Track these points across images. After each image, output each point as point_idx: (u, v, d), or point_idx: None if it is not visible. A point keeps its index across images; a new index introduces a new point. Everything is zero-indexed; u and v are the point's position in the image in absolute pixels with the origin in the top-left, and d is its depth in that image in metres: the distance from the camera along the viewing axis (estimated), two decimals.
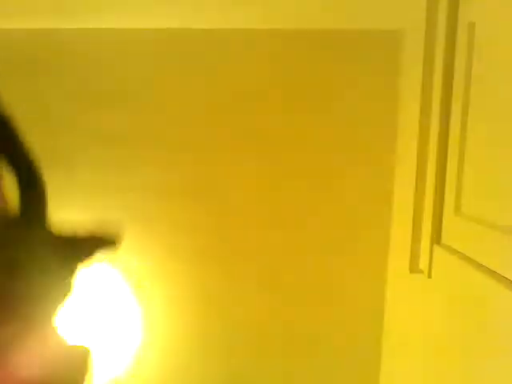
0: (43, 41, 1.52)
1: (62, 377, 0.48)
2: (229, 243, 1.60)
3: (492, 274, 0.83)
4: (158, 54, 1.53)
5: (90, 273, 1.69)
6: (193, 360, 1.67)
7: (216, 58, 1.52)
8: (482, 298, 0.87)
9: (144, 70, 1.54)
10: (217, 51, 1.51)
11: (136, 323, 1.67)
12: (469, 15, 0.99)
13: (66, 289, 0.50)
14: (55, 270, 0.48)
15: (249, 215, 1.59)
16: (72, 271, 0.50)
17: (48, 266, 0.47)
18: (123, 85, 1.55)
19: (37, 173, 0.50)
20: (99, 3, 1.29)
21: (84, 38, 1.52)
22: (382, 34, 1.46)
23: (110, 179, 1.59)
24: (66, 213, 1.63)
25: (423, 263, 1.18)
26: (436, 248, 1.12)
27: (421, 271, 1.21)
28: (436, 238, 1.13)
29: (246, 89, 1.53)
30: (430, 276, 1.14)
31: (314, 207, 1.57)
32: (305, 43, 1.49)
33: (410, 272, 1.24)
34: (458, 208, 1.03)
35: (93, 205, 1.60)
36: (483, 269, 0.87)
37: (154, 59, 1.53)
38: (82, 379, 0.52)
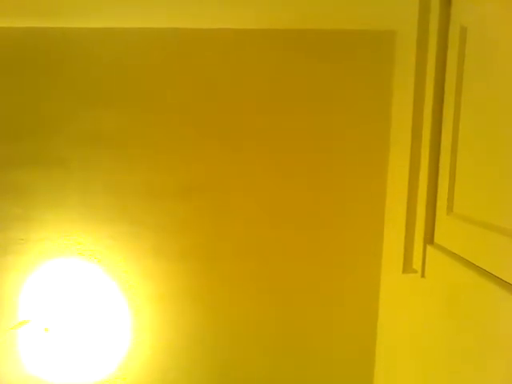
0: (39, 40, 1.51)
1: None
2: (217, 242, 1.60)
3: (484, 273, 0.84)
4: (156, 54, 1.52)
5: (78, 272, 1.68)
6: (181, 358, 1.67)
7: (214, 57, 1.52)
8: (474, 296, 0.88)
9: (140, 70, 1.53)
10: (215, 51, 1.51)
11: (124, 322, 1.66)
12: (460, 19, 1.00)
13: None
14: None
15: (238, 214, 1.59)
16: None
17: None
18: (120, 85, 1.54)
19: None
20: (98, 3, 1.29)
21: (81, 38, 1.51)
22: (375, 34, 1.47)
23: (102, 179, 1.58)
24: (59, 211, 1.63)
25: (416, 263, 1.19)
26: (429, 248, 1.12)
27: (414, 271, 1.22)
28: (429, 238, 1.13)
29: (242, 88, 1.53)
30: (423, 275, 1.15)
31: (307, 207, 1.57)
32: (300, 43, 1.50)
33: (404, 272, 1.25)
34: (450, 208, 1.04)
35: (84, 204, 1.59)
36: (475, 268, 0.87)
37: (151, 59, 1.53)
38: None
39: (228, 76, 1.52)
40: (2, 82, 1.55)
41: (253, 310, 1.64)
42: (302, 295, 1.62)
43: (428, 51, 1.13)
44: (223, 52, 1.51)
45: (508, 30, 0.80)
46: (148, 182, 1.57)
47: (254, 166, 1.56)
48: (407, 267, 1.24)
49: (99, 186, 1.59)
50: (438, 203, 1.11)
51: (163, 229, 1.60)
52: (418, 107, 1.18)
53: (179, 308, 1.64)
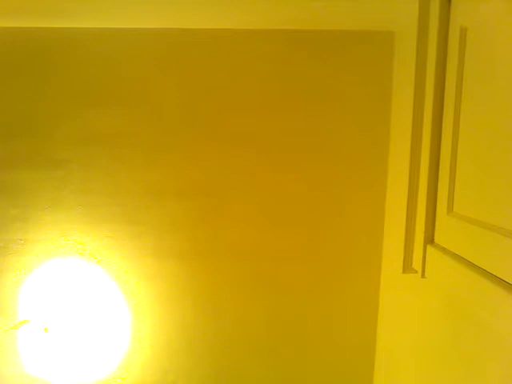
0: (38, 40, 1.51)
1: None
2: (218, 242, 1.60)
3: (484, 273, 0.84)
4: (156, 54, 1.52)
5: (78, 272, 1.68)
6: (181, 358, 1.67)
7: (214, 57, 1.52)
8: (474, 296, 0.88)
9: (140, 70, 1.53)
10: (216, 51, 1.51)
11: (124, 322, 1.66)
12: (460, 20, 1.00)
13: None
14: None
15: (238, 214, 1.59)
16: None
17: None
18: (119, 85, 1.54)
19: None
20: (98, 3, 1.29)
21: (81, 38, 1.51)
22: (375, 34, 1.47)
23: (102, 179, 1.58)
24: (59, 211, 1.63)
25: (416, 263, 1.19)
26: (429, 248, 1.13)
27: (414, 271, 1.22)
28: (429, 237, 1.14)
29: (241, 88, 1.53)
30: (423, 276, 1.15)
31: (307, 207, 1.58)
32: (300, 43, 1.50)
33: (404, 272, 1.25)
34: (450, 208, 1.04)
35: (84, 204, 1.59)
36: (476, 268, 0.88)
37: (150, 59, 1.53)
38: None
39: (228, 76, 1.52)
40: (1, 82, 1.55)
41: (253, 309, 1.64)
42: (303, 295, 1.62)
43: (428, 52, 1.13)
44: (223, 52, 1.51)
45: (508, 31, 0.80)
46: (148, 182, 1.57)
47: (254, 166, 1.56)
48: (407, 267, 1.24)
49: (99, 187, 1.59)
50: (438, 203, 1.11)
51: (163, 229, 1.60)
52: (418, 107, 1.18)
53: (179, 308, 1.64)
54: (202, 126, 1.55)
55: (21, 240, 1.62)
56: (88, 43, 1.51)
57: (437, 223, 1.12)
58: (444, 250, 1.05)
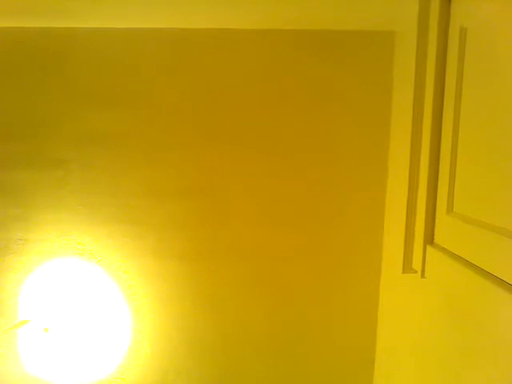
0: (39, 40, 1.51)
1: None
2: (218, 242, 1.60)
3: (484, 273, 0.84)
4: (156, 54, 1.52)
5: (78, 272, 1.68)
6: (181, 358, 1.67)
7: (214, 57, 1.52)
8: (474, 296, 0.88)
9: (140, 70, 1.53)
10: (216, 51, 1.51)
11: (124, 322, 1.66)
12: (461, 20, 1.00)
13: None
14: None
15: (237, 215, 1.59)
16: None
17: None
18: (120, 85, 1.54)
19: None
20: (98, 3, 1.29)
21: (81, 38, 1.51)
22: (375, 34, 1.47)
23: (102, 179, 1.58)
24: (59, 211, 1.63)
25: (416, 263, 1.19)
26: (429, 248, 1.13)
27: (414, 271, 1.22)
28: (429, 238, 1.14)
29: (241, 88, 1.53)
30: (423, 276, 1.15)
31: (307, 207, 1.57)
32: (300, 43, 1.50)
33: (403, 272, 1.25)
34: (450, 208, 1.04)
35: (84, 204, 1.59)
36: (475, 268, 0.88)
37: (150, 59, 1.53)
38: None
39: (228, 76, 1.52)
40: (1, 82, 1.55)
41: (253, 309, 1.64)
42: (303, 296, 1.62)
43: (428, 52, 1.13)
44: (223, 52, 1.51)
45: (508, 31, 0.80)
46: (148, 182, 1.58)
47: (254, 166, 1.56)
48: (407, 267, 1.24)
49: (99, 186, 1.59)
50: (438, 203, 1.11)
51: (163, 229, 1.60)
52: (418, 107, 1.18)
53: (179, 308, 1.64)
54: (202, 126, 1.55)
55: (21, 240, 1.62)
56: (88, 43, 1.51)
57: (437, 223, 1.12)
58: (444, 250, 1.04)
